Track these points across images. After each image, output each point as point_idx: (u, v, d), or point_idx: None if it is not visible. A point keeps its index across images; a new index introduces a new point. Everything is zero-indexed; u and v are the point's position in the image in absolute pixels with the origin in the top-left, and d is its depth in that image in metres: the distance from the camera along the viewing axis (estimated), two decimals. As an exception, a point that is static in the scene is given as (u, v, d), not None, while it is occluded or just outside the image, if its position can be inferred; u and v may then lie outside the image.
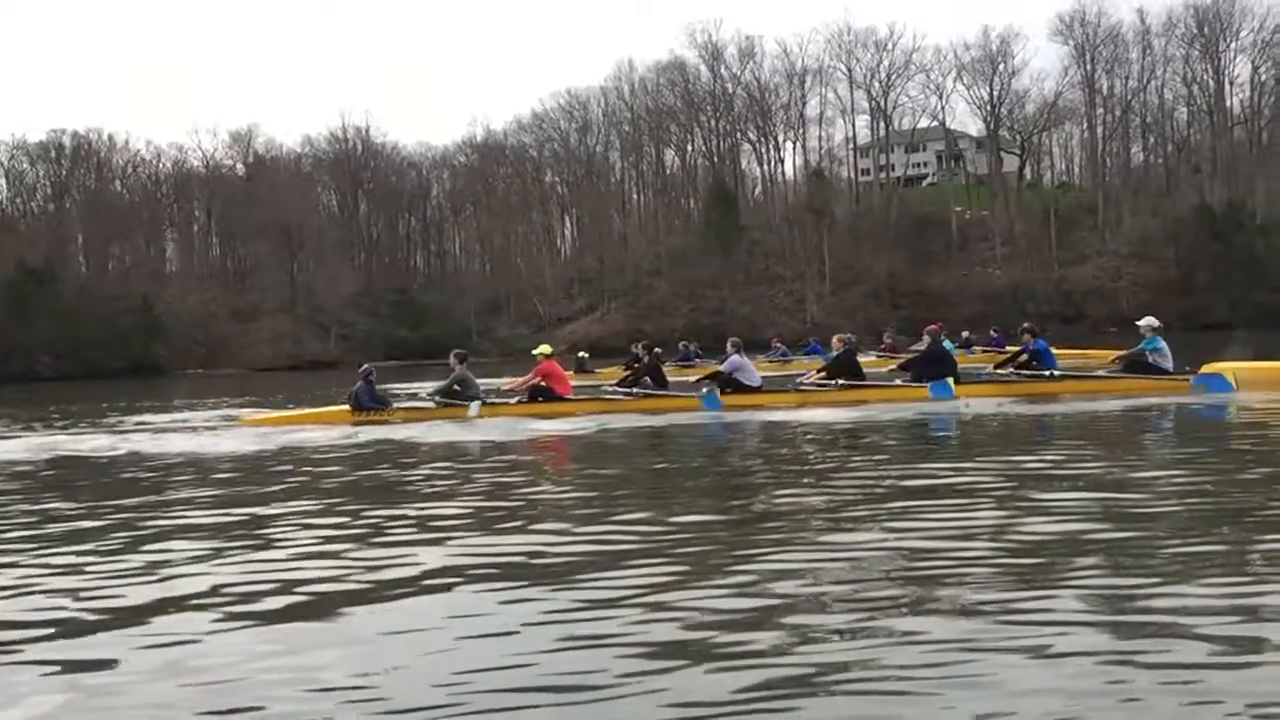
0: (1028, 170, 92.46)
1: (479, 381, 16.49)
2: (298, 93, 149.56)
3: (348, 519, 7.10)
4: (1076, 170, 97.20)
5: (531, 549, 5.77)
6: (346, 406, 15.85)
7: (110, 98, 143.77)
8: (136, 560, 5.97)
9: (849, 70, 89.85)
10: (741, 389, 15.52)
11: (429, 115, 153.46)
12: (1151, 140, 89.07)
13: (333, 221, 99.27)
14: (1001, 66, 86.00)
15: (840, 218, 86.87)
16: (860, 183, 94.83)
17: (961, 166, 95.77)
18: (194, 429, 16.01)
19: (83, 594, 5.23)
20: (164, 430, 16.01)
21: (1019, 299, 72.05)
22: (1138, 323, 15.05)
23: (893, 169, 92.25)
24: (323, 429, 14.54)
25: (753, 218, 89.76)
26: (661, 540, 5.86)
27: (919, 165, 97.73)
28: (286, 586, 5.14)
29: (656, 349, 17.55)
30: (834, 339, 16.62)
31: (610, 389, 16.72)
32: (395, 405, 15.93)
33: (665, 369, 23.36)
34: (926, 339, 15.72)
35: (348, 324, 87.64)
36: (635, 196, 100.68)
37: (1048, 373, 15.02)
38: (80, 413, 23.15)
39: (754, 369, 16.57)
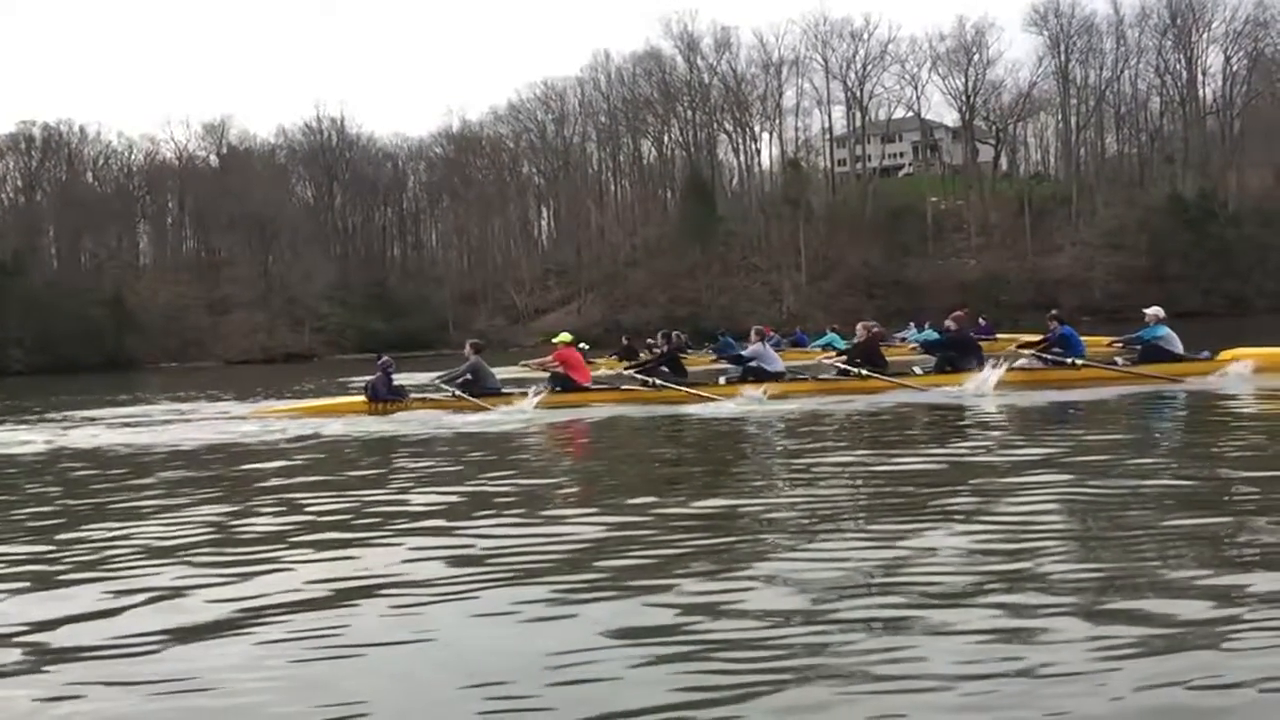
0: (1003, 160, 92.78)
1: (494, 370, 16.44)
2: (272, 84, 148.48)
3: (344, 509, 7.09)
4: (1052, 160, 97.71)
5: (518, 543, 5.73)
6: (363, 398, 15.78)
7: (80, 89, 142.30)
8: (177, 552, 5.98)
9: (825, 61, 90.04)
10: (765, 377, 15.47)
11: (405, 106, 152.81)
12: (1125, 130, 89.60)
13: (307, 213, 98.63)
14: (976, 57, 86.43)
15: (816, 208, 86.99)
16: (837, 173, 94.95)
17: (937, 157, 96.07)
18: (203, 421, 15.91)
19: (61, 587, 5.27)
20: (167, 423, 15.92)
21: (994, 289, 72.50)
22: (1145, 310, 14.97)
23: (869, 159, 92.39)
24: (337, 420, 14.45)
25: (729, 208, 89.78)
26: (652, 532, 5.87)
27: (895, 156, 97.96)
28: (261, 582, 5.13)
29: (647, 337, 17.56)
30: (859, 326, 16.60)
31: (629, 375, 16.51)
32: (413, 397, 15.82)
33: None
34: (952, 326, 15.58)
35: (322, 316, 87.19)
36: (612, 187, 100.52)
37: (1070, 360, 14.86)
38: (83, 404, 22.97)
39: (777, 356, 16.43)
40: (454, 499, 7.45)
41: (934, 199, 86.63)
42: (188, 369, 70.35)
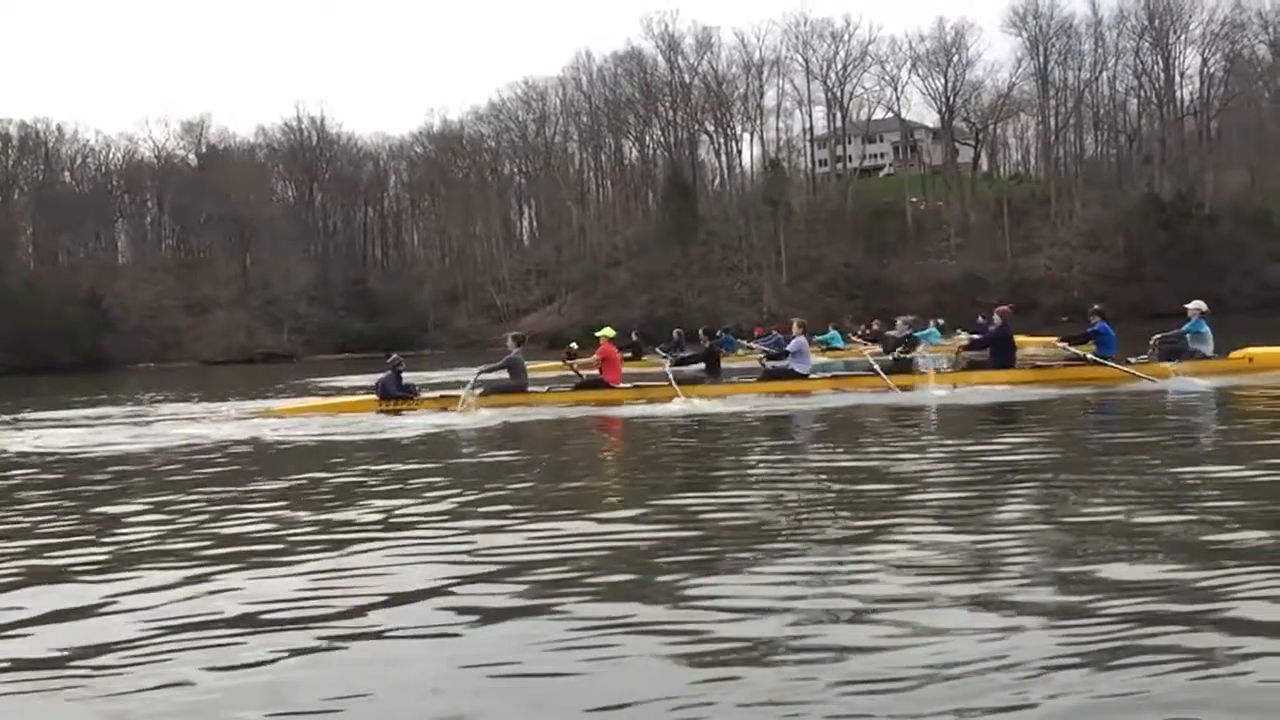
0: (983, 161, 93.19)
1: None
2: (251, 83, 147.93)
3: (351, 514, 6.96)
4: (1031, 161, 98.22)
5: (496, 543, 5.70)
6: (374, 396, 15.77)
7: (58, 88, 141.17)
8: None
9: (806, 61, 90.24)
10: (791, 376, 15.46)
11: (386, 105, 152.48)
12: (1103, 131, 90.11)
13: (288, 213, 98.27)
14: (956, 58, 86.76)
15: (797, 208, 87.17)
16: (817, 173, 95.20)
17: (917, 157, 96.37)
18: (215, 420, 15.81)
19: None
20: (184, 420, 15.86)
21: (973, 289, 72.74)
22: (1186, 306, 15.01)
23: (849, 160, 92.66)
24: (347, 418, 14.48)
25: (710, 209, 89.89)
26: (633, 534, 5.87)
27: (876, 156, 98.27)
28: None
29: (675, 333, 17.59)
30: (899, 321, 16.69)
31: (672, 371, 16.47)
32: (423, 394, 15.84)
33: (659, 357, 23.91)
34: (998, 319, 15.57)
35: (302, 316, 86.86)
36: (593, 187, 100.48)
37: (1083, 355, 14.86)
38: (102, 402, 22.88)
39: (809, 355, 16.52)
40: (440, 499, 7.38)
41: (914, 199, 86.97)
42: (165, 369, 69.94)
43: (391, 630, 4.13)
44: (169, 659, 3.89)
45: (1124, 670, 3.26)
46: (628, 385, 15.66)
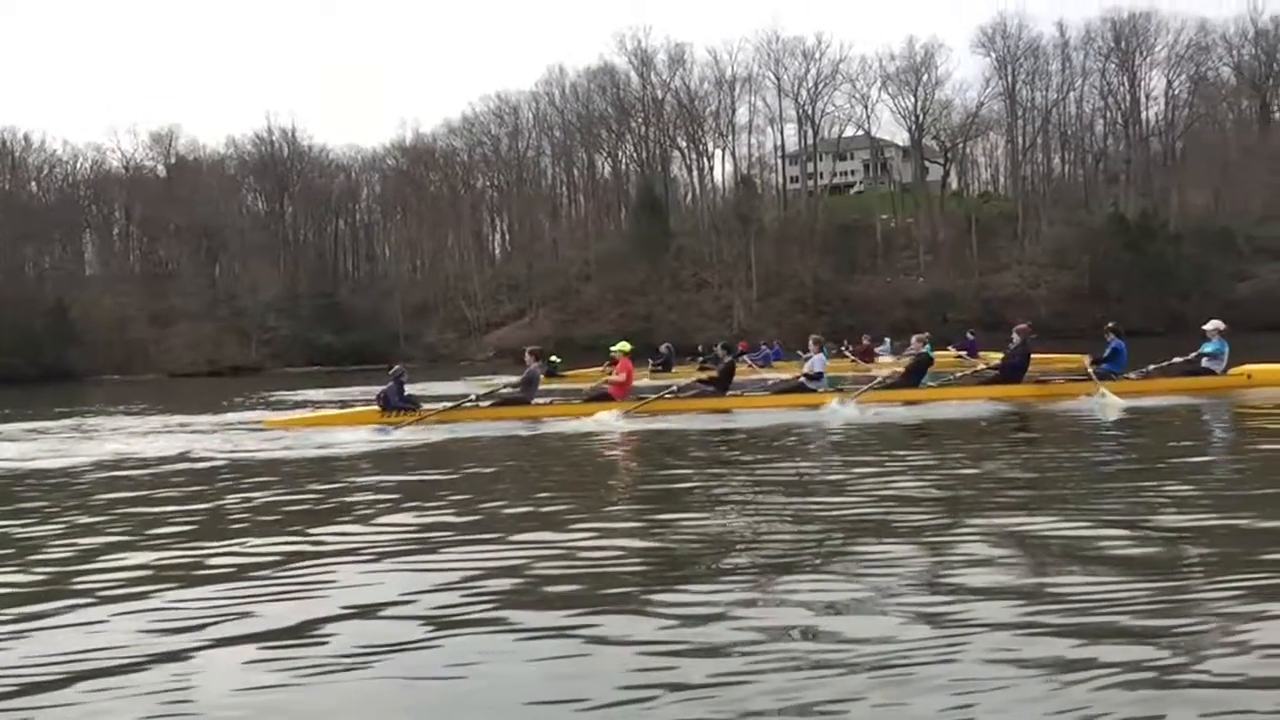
0: (952, 179, 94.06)
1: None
2: (221, 94, 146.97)
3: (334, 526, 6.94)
4: (1000, 179, 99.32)
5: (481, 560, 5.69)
6: (376, 407, 15.71)
7: (24, 96, 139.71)
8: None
9: (777, 78, 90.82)
10: (801, 390, 15.68)
11: (358, 117, 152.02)
12: (1070, 151, 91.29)
13: (257, 224, 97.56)
14: (925, 77, 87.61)
15: (768, 225, 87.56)
16: (789, 190, 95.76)
17: (887, 175, 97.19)
18: (214, 431, 15.64)
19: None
20: (190, 433, 15.65)
21: (941, 306, 73.42)
22: (1204, 326, 15.17)
23: (820, 177, 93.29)
24: (349, 430, 14.35)
25: (682, 224, 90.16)
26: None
27: (846, 173, 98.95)
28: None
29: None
30: (913, 339, 16.87)
31: (695, 384, 16.69)
32: (425, 406, 15.85)
33: (650, 372, 23.62)
34: (1017, 338, 15.64)
35: (270, 328, 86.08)
36: (566, 201, 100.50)
37: (1091, 371, 15.02)
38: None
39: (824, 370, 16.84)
40: (375, 515, 7.35)
41: (884, 216, 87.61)
42: (131, 382, 69.06)
43: (313, 643, 4.17)
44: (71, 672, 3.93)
45: (993, 680, 3.37)
46: (632, 399, 15.79)
